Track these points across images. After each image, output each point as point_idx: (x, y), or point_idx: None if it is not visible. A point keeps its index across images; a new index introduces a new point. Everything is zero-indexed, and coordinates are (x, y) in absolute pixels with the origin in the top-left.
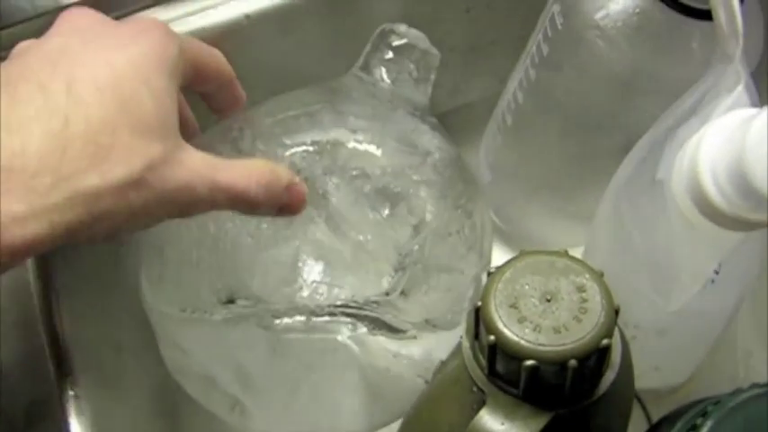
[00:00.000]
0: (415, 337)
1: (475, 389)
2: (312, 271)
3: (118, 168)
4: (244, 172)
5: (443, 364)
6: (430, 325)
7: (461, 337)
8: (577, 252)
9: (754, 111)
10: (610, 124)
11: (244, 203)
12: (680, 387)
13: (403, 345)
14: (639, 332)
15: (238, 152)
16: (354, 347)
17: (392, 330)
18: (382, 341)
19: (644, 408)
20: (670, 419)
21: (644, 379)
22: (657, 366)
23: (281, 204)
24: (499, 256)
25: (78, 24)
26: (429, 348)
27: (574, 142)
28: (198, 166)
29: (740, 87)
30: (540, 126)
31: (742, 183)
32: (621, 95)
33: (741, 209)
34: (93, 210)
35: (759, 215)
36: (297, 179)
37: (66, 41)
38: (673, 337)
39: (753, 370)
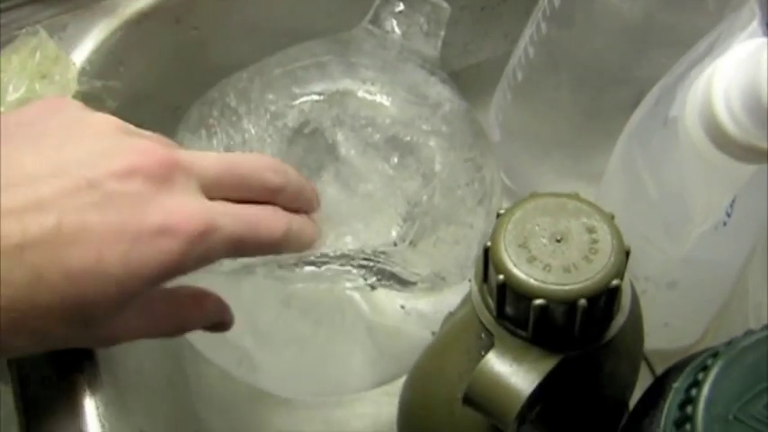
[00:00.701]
0: (423, 291)
1: (483, 335)
2: (320, 220)
3: None
4: None
5: (452, 314)
6: (438, 278)
7: (470, 281)
8: None
9: None
10: (622, 78)
11: None
12: (689, 349)
13: (411, 298)
14: (650, 285)
15: (248, 102)
16: (362, 302)
17: (401, 282)
18: (391, 295)
19: (652, 369)
20: (679, 366)
21: (653, 337)
22: (667, 323)
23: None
24: None
25: (132, 172)
26: (437, 303)
27: (585, 98)
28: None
29: (755, 23)
30: (550, 81)
31: (757, 108)
32: (634, 47)
33: (754, 137)
34: None
35: None
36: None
37: (81, 216)
38: (683, 291)
39: (764, 322)
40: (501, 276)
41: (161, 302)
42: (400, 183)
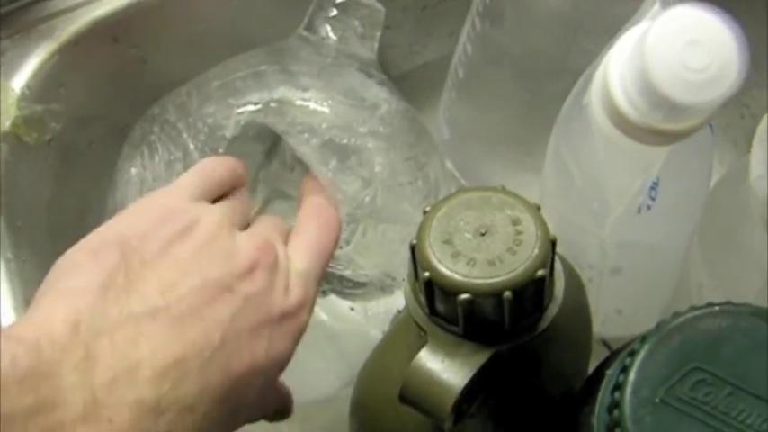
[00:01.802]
0: (374, 292)
1: (422, 333)
2: None
3: None
4: None
5: (399, 313)
6: (389, 278)
7: (403, 280)
8: None
9: None
10: (557, 69)
11: None
12: None
13: (365, 300)
14: (594, 273)
15: (186, 116)
16: (317, 307)
17: (351, 285)
18: (344, 297)
19: None
20: (615, 353)
21: (610, 325)
22: (620, 310)
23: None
24: None
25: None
26: (390, 303)
27: (524, 91)
28: None
29: (657, 6)
30: (490, 77)
31: (648, 90)
32: (565, 39)
33: (651, 118)
34: None
35: (668, 125)
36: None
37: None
38: (628, 277)
39: (705, 301)
40: (426, 273)
41: (273, 389)
42: (341, 186)
